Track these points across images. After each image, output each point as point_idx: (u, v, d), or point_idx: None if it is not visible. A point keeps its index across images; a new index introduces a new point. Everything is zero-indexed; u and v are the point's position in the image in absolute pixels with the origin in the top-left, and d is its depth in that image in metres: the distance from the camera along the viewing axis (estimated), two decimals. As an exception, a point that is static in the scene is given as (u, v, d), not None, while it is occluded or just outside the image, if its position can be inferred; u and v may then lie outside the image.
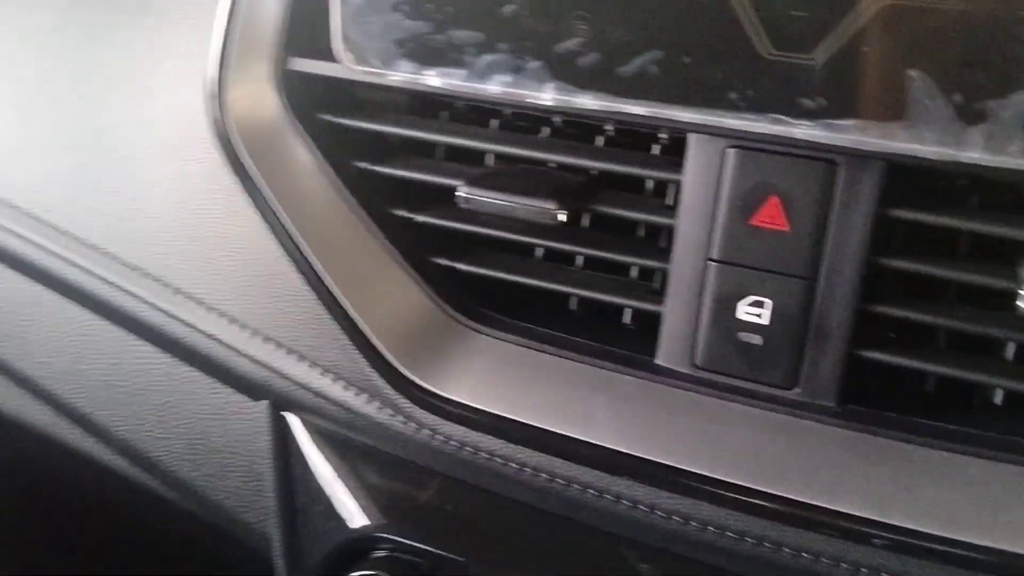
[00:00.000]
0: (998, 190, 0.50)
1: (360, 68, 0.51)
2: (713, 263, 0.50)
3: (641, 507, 0.51)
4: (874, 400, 0.50)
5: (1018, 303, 0.43)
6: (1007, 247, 0.46)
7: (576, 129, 0.58)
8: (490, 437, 0.53)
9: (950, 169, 0.44)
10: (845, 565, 0.47)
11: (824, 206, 0.46)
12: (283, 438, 0.63)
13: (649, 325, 0.53)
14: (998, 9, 0.40)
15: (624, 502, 0.51)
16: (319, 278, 0.55)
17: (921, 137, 0.42)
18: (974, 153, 0.41)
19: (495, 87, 0.48)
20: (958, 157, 0.41)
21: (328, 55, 0.53)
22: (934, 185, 0.49)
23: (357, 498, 0.61)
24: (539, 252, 0.58)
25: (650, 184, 0.54)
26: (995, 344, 0.49)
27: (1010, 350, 0.48)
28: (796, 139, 0.44)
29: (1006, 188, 0.50)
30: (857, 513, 0.46)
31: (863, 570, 0.46)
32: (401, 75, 0.50)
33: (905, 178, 0.48)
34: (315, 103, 0.58)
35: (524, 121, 0.59)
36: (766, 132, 0.45)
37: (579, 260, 0.57)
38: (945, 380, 0.50)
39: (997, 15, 0.40)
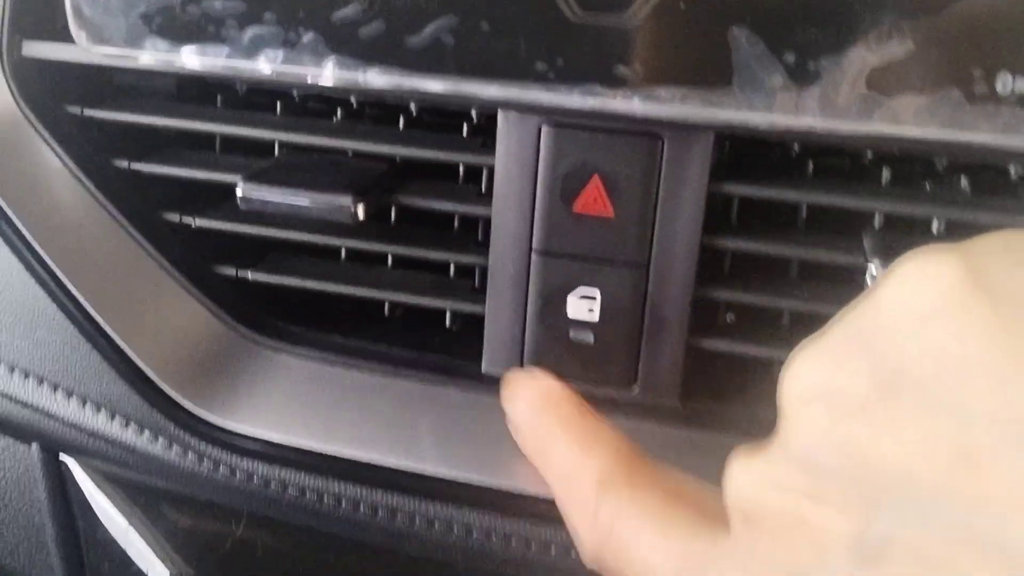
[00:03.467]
0: (837, 157, 0.46)
1: (100, 49, 0.42)
2: (536, 255, 0.44)
3: (476, 534, 0.45)
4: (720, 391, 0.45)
5: (867, 277, 0.39)
6: (852, 218, 0.42)
7: (379, 111, 0.51)
8: (297, 472, 0.46)
9: (784, 137, 0.39)
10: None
11: (650, 186, 0.41)
12: (61, 485, 0.54)
13: (476, 329, 0.47)
14: (826, -45, 0.35)
15: (457, 530, 0.46)
16: (75, 301, 0.46)
17: (750, 103, 0.37)
18: (809, 119, 0.36)
19: (264, 65, 0.40)
20: (792, 124, 0.37)
21: (66, 36, 0.44)
22: (769, 155, 0.45)
23: (156, 549, 0.53)
24: (345, 253, 0.51)
25: (463, 171, 0.48)
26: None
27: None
28: (614, 112, 0.39)
29: (845, 155, 0.46)
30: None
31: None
32: (151, 55, 0.41)
33: (736, 150, 0.44)
34: (62, 94, 0.49)
35: (319, 104, 0.52)
36: (581, 106, 0.39)
37: (390, 260, 0.50)
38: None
39: (825, -38, 0.35)
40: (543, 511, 0.44)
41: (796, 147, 0.45)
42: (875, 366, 0.24)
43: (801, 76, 0.36)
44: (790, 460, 0.25)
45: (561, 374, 0.44)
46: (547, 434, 0.37)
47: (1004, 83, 0.35)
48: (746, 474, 0.27)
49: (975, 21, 0.35)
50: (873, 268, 0.40)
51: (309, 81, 0.40)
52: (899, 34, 0.35)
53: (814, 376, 0.25)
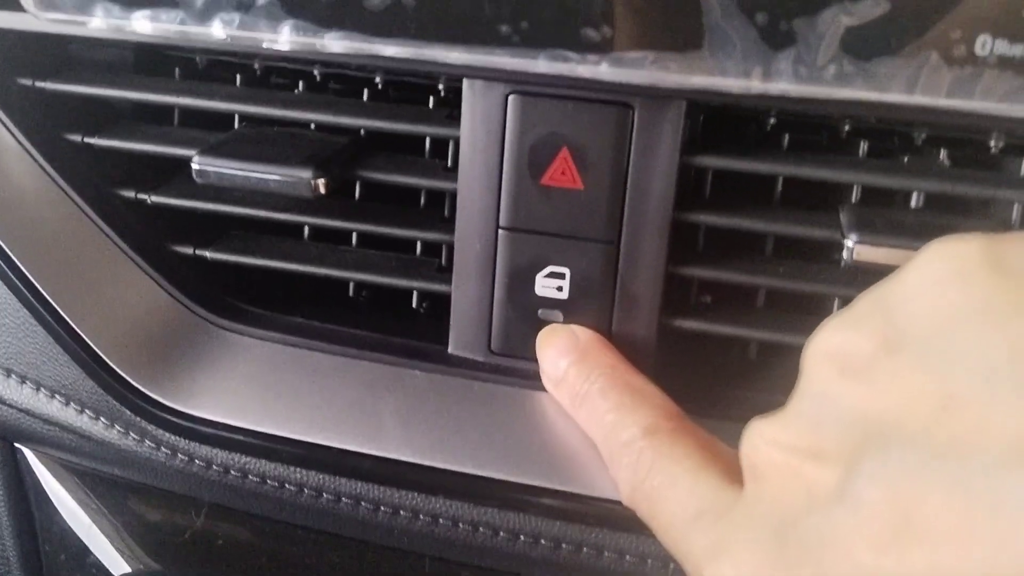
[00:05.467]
0: (814, 133, 0.44)
1: (48, 16, 0.40)
2: (504, 231, 0.42)
3: (443, 522, 0.44)
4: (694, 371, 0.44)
5: (843, 254, 0.38)
6: (828, 196, 0.41)
7: (342, 86, 0.49)
8: (258, 459, 0.45)
9: (758, 105, 0.38)
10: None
11: (620, 157, 0.40)
12: (17, 475, 0.53)
13: (443, 310, 0.46)
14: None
15: (423, 518, 0.44)
16: (27, 282, 0.44)
17: (722, 68, 0.35)
18: (783, 83, 0.35)
19: (219, 30, 0.39)
20: (765, 89, 0.35)
21: (13, 3, 0.42)
22: (743, 131, 0.44)
23: (115, 540, 0.51)
24: (308, 232, 0.49)
25: (429, 144, 0.46)
26: (820, 300, 0.44)
27: (836, 306, 0.43)
28: (583, 79, 0.37)
29: (821, 130, 0.45)
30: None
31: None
32: (101, 20, 0.40)
33: (710, 124, 0.42)
34: (12, 65, 0.47)
35: (281, 77, 0.50)
36: (548, 72, 0.37)
37: (354, 239, 0.49)
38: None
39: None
40: (511, 498, 0.42)
41: (771, 121, 0.44)
42: (885, 328, 0.26)
43: (774, 38, 0.35)
44: (797, 421, 0.28)
45: (528, 356, 0.43)
46: (589, 385, 0.39)
47: (984, 45, 0.34)
48: (758, 435, 0.29)
49: (954, -19, 0.34)
50: (850, 243, 0.38)
51: (265, 46, 0.39)
52: (875, -6, 0.34)
53: (832, 339, 0.27)
